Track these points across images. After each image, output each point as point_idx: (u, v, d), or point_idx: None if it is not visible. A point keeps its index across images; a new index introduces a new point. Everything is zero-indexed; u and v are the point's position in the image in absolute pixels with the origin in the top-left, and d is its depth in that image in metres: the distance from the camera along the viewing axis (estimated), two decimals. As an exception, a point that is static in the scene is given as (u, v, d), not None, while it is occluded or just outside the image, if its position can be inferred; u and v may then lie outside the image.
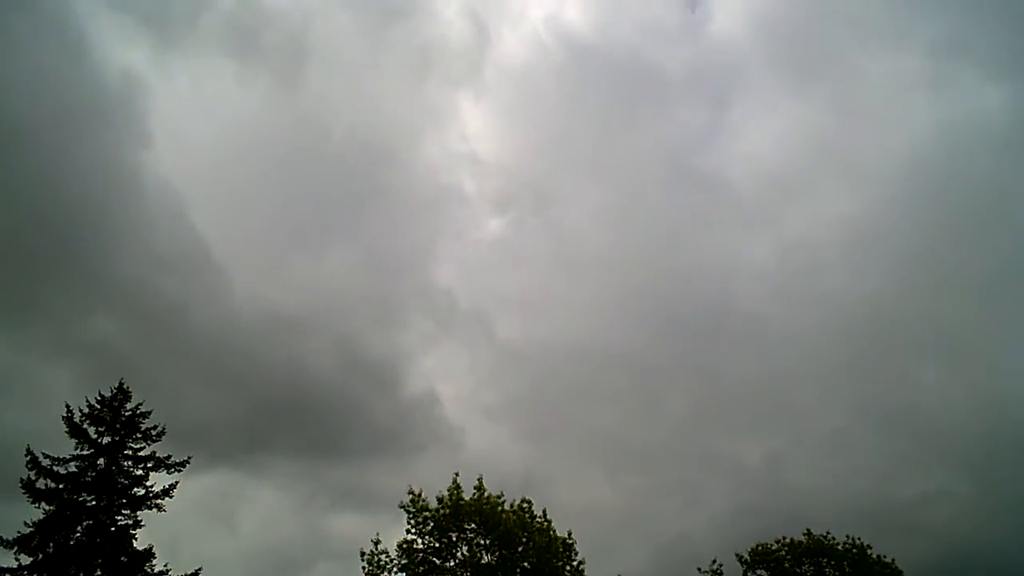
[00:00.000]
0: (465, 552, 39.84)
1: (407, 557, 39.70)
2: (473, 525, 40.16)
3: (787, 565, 47.98)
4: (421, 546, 40.09)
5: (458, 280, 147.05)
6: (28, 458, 42.12)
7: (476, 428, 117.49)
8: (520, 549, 39.27)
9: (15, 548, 40.58)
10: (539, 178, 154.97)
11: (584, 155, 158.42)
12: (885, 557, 46.82)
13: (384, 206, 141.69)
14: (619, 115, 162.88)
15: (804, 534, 48.29)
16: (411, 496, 40.92)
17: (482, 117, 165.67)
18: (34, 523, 41.26)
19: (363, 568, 39.59)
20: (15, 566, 40.43)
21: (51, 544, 41.25)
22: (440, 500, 40.87)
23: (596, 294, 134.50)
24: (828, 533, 48.23)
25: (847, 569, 47.12)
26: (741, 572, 48.46)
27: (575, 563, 40.16)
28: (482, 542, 39.89)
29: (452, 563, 39.77)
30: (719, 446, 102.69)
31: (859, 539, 47.66)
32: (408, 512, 40.65)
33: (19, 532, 40.88)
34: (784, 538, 48.58)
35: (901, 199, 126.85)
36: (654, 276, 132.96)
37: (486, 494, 41.03)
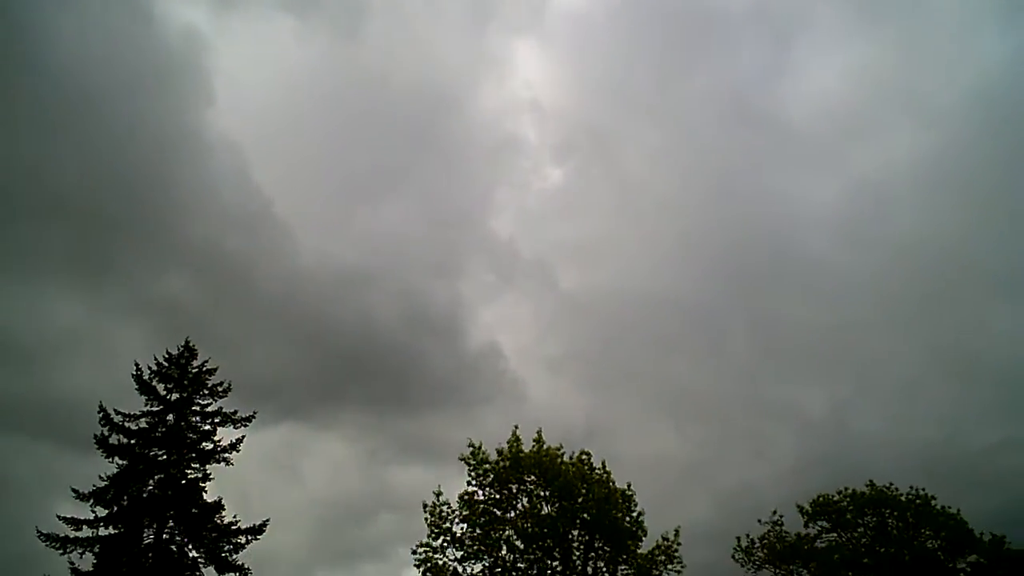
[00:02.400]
0: (525, 503, 40.24)
1: (468, 508, 40.22)
2: (533, 477, 40.47)
3: (849, 516, 47.65)
4: (482, 498, 40.57)
5: (520, 230, 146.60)
6: (101, 415, 43.47)
7: (539, 380, 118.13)
8: (580, 500, 39.52)
9: (91, 501, 42.05)
10: (600, 123, 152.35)
11: (644, 98, 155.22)
12: (950, 508, 46.22)
13: (445, 156, 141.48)
14: (678, 55, 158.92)
15: (867, 485, 47.83)
16: (471, 449, 41.40)
17: (543, 63, 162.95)
18: (108, 477, 42.68)
19: (425, 519, 40.26)
20: (91, 518, 41.95)
21: (125, 497, 42.67)
22: (500, 453, 41.24)
23: (658, 241, 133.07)
24: (891, 484, 47.75)
25: (910, 520, 46.67)
26: (802, 523, 48.26)
27: (634, 514, 40.37)
28: (542, 493, 40.23)
29: (512, 514, 40.22)
30: (784, 395, 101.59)
31: (923, 490, 47.11)
32: (468, 464, 41.08)
33: (94, 486, 42.33)
34: (846, 489, 48.19)
35: (972, 136, 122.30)
36: (716, 221, 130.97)
37: (545, 446, 41.29)
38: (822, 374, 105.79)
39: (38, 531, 41.34)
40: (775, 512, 48.56)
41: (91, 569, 41.20)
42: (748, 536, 48.18)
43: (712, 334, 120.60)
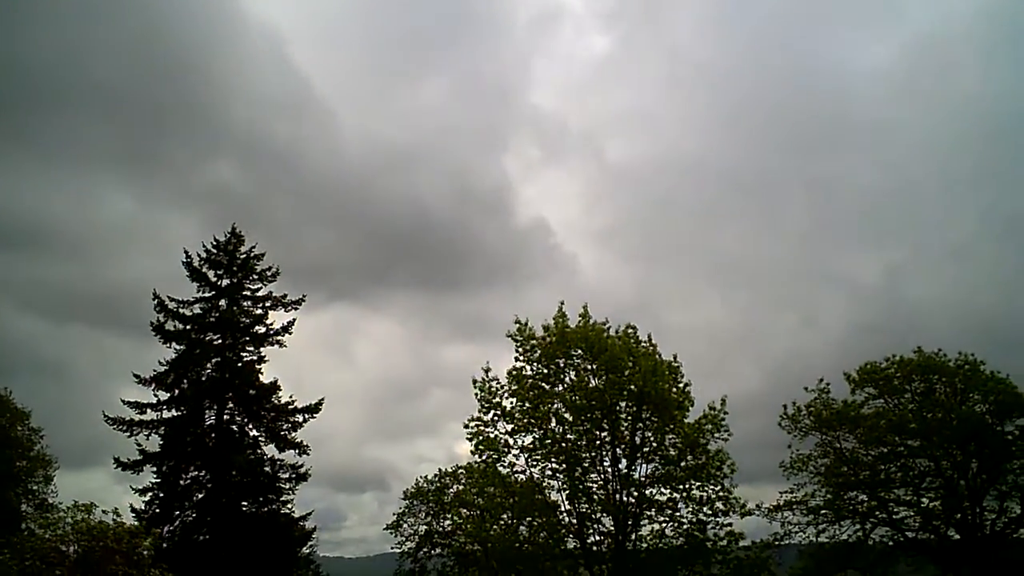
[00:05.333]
0: (572, 377, 40.75)
1: (516, 383, 40.89)
2: (579, 351, 40.86)
3: (896, 383, 47.67)
4: (530, 373, 41.16)
5: (565, 102, 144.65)
6: (156, 302, 44.52)
7: (589, 254, 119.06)
8: (627, 373, 39.92)
9: (152, 385, 43.54)
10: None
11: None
12: (999, 372, 45.99)
13: (483, 28, 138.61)
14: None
15: (914, 352, 47.65)
16: (518, 325, 41.78)
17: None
18: (167, 362, 44.05)
19: (475, 395, 41.07)
20: (154, 401, 43.50)
21: (184, 380, 44.13)
22: (546, 329, 41.58)
23: (709, 108, 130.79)
24: (940, 350, 47.48)
25: (959, 386, 46.57)
26: (849, 391, 48.44)
27: (681, 385, 40.78)
28: (589, 367, 40.64)
29: (560, 388, 40.85)
30: (836, 262, 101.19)
31: (972, 355, 46.72)
32: (516, 341, 41.54)
33: (154, 371, 43.76)
34: (893, 356, 48.06)
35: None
36: (767, 84, 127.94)
37: (591, 321, 41.55)
38: (875, 239, 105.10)
39: (104, 415, 43.09)
40: (821, 380, 48.77)
41: (158, 450, 43.01)
42: (795, 404, 48.53)
43: (763, 201, 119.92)
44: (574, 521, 40.03)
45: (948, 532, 46.56)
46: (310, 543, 45.82)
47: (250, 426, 44.90)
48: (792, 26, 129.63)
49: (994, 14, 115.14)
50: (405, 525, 59.31)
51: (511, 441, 40.77)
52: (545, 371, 41.23)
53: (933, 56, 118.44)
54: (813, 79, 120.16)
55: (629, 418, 40.27)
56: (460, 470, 55.38)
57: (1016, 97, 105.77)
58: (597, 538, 40.09)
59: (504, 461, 40.82)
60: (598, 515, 40.09)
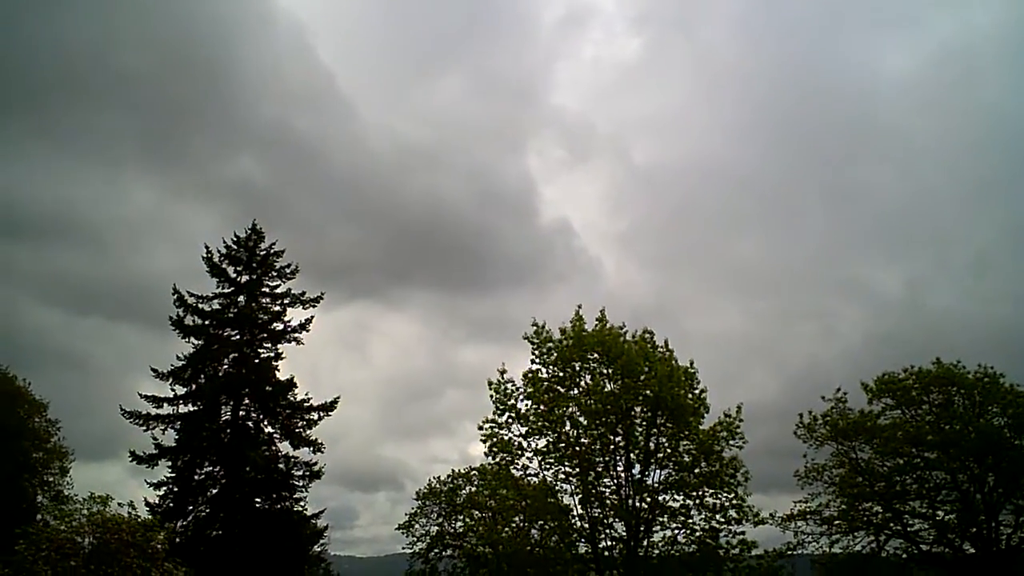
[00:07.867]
0: (588, 381, 40.68)
1: (532, 386, 40.89)
2: (596, 355, 40.83)
3: (914, 394, 47.37)
4: (545, 375, 41.16)
5: (592, 104, 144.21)
6: (175, 296, 44.75)
7: (611, 257, 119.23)
8: (642, 378, 39.84)
9: (170, 380, 43.74)
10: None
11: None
12: (1018, 386, 45.63)
13: (508, 28, 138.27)
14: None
15: (933, 363, 47.35)
16: (534, 328, 41.79)
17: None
18: (185, 357, 44.24)
19: (491, 396, 41.09)
20: (171, 396, 43.72)
21: (202, 375, 44.31)
22: (563, 332, 41.56)
23: (732, 113, 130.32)
24: (959, 362, 47.15)
25: (977, 398, 46.25)
26: (866, 401, 48.16)
27: (697, 391, 40.68)
28: (605, 371, 40.61)
29: (576, 391, 40.82)
30: (857, 272, 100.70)
31: (991, 367, 46.40)
32: (532, 343, 41.57)
33: (172, 365, 43.95)
34: (912, 367, 47.78)
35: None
36: (791, 91, 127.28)
37: (608, 325, 41.50)
38: (895, 248, 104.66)
39: (121, 409, 43.34)
40: (839, 389, 48.52)
41: (173, 444, 43.23)
42: (811, 413, 48.30)
43: (783, 209, 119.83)
44: (586, 526, 39.96)
45: (963, 546, 46.15)
46: (322, 541, 46.10)
47: (265, 423, 45.05)
48: (818, 34, 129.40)
49: (1016, 25, 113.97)
50: (417, 525, 59.39)
51: (525, 444, 40.80)
52: (561, 374, 41.21)
53: (955, 66, 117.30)
54: (836, 87, 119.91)
55: (644, 423, 40.20)
56: (473, 472, 55.45)
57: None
58: (609, 543, 39.99)
59: (517, 464, 40.90)
60: (610, 520, 40.02)
